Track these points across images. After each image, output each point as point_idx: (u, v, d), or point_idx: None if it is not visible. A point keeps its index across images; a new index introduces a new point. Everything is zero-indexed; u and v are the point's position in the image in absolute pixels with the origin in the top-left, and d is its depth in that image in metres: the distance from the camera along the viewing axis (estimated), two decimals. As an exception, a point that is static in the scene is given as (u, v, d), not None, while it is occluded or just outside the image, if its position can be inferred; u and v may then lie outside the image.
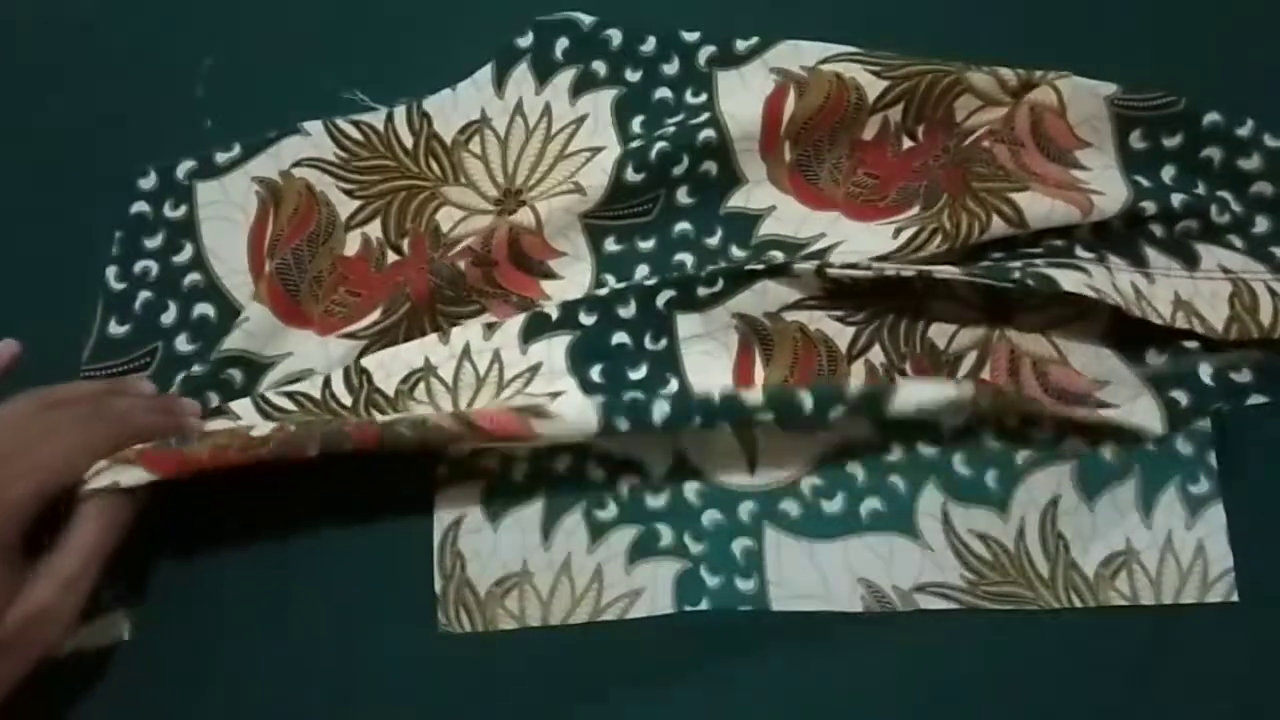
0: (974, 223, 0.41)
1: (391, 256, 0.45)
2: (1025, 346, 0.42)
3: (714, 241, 0.45)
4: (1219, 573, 0.40)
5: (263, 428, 0.38)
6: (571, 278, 0.44)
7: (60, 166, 0.47)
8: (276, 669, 0.40)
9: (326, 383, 0.41)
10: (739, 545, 0.41)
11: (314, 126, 0.47)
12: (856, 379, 0.42)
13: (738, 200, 0.45)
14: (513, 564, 0.41)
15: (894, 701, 0.39)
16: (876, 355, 0.43)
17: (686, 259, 0.44)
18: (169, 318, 0.45)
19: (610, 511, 0.41)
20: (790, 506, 0.41)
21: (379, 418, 0.39)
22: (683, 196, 0.45)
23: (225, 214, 0.46)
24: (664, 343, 0.42)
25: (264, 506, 0.41)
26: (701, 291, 0.42)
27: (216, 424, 0.40)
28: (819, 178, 0.45)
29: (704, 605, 0.40)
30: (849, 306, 0.43)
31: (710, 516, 0.41)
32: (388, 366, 0.41)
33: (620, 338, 0.42)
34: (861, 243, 0.43)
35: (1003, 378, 0.42)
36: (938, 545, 0.41)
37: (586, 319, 0.42)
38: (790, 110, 0.44)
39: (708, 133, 0.43)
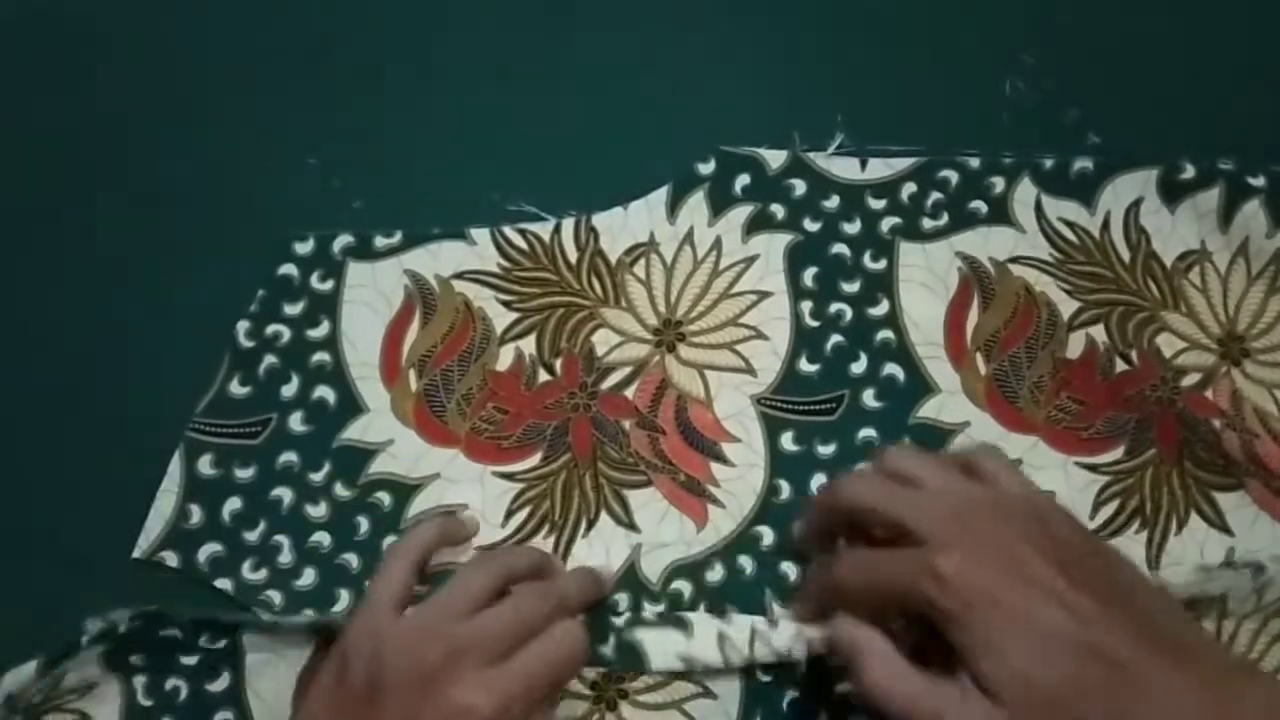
0: (1173, 514, 0.41)
1: (543, 375, 0.44)
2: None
3: None
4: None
5: None
6: (743, 472, 0.42)
7: (201, 220, 0.47)
8: None
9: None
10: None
11: (480, 235, 0.45)
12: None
13: (929, 410, 0.43)
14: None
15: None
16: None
17: None
18: (289, 391, 0.44)
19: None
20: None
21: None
22: (869, 400, 0.43)
23: (369, 300, 0.45)
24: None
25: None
26: None
27: None
28: (1019, 396, 0.43)
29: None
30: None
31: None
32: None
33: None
34: (1054, 483, 0.41)
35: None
36: None
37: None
38: (974, 320, 0.44)
39: (885, 334, 0.44)
